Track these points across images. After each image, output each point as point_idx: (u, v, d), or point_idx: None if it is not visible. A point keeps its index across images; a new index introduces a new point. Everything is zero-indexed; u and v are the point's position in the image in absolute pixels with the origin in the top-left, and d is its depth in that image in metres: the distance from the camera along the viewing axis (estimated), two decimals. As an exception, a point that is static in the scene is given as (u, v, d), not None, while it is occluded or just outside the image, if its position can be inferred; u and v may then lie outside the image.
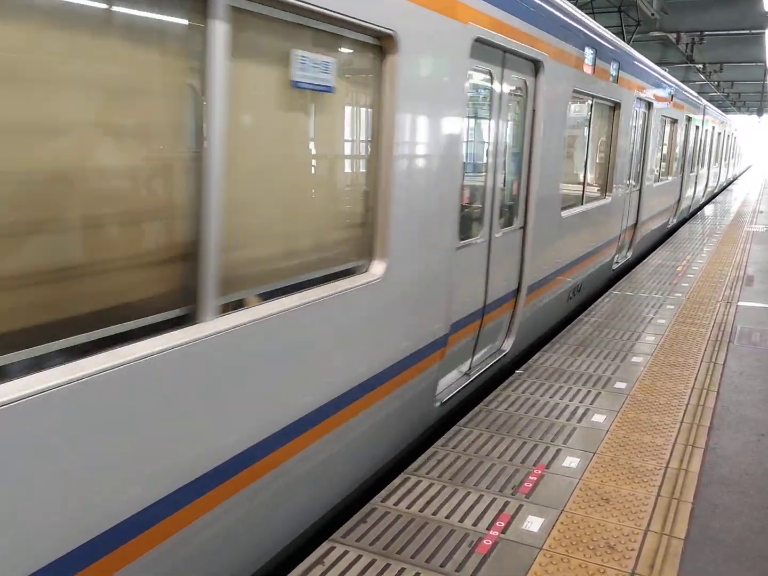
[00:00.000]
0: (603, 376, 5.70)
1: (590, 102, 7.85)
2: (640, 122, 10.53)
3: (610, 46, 8.02)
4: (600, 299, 8.51)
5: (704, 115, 18.29)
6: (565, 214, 7.01)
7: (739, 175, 45.24)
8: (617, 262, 10.28)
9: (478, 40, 4.50)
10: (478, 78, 5.08)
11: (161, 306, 2.50)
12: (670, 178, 14.32)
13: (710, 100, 26.67)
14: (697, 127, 17.61)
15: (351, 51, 3.51)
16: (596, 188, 8.77)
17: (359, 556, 3.18)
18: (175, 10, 2.42)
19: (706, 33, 18.23)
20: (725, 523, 3.58)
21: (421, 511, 3.60)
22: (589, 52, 7.04)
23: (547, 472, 4.04)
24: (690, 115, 15.68)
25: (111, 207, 2.37)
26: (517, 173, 5.82)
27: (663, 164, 13.50)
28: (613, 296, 8.67)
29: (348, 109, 3.69)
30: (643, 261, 11.32)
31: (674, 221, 16.00)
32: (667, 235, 14.96)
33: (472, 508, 3.64)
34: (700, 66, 23.04)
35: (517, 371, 5.79)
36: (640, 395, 5.29)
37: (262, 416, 2.92)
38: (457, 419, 4.85)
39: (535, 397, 5.22)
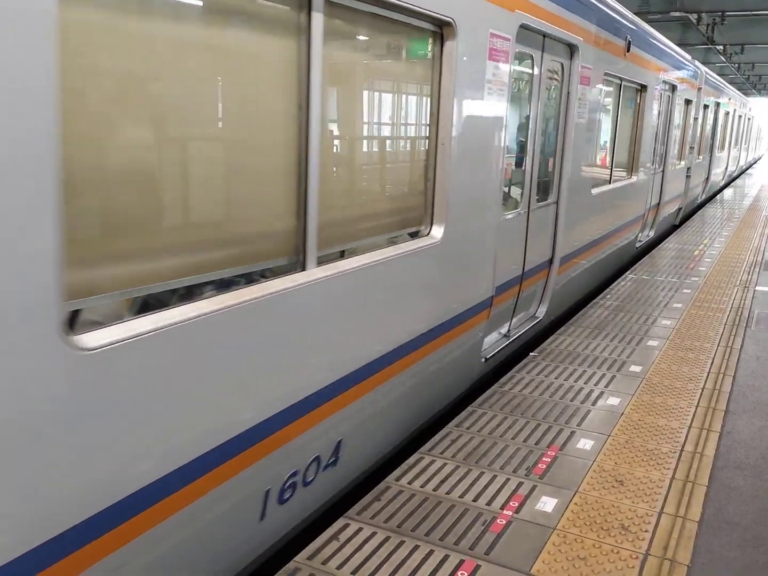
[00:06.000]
0: (618, 360, 5.67)
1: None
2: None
3: None
4: (616, 283, 8.46)
5: (728, 99, 18.39)
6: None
7: (758, 159, 44.66)
8: (640, 241, 10.63)
9: None
10: None
11: None
12: (701, 157, 15.22)
13: (730, 83, 26.25)
14: (726, 112, 17.89)
15: None
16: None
17: (373, 533, 3.21)
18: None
19: (728, 13, 17.90)
20: (740, 506, 3.57)
21: (435, 490, 3.61)
22: None
23: (561, 453, 4.05)
24: (717, 100, 15.91)
25: None
26: None
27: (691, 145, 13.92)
28: (629, 280, 8.61)
29: None
30: (659, 245, 11.23)
31: (703, 196, 17.40)
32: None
33: (486, 488, 3.65)
34: (721, 47, 22.63)
35: (531, 354, 5.78)
36: (655, 379, 5.27)
37: None
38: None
39: (549, 379, 5.21)
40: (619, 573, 2.99)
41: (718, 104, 17.18)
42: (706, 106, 14.75)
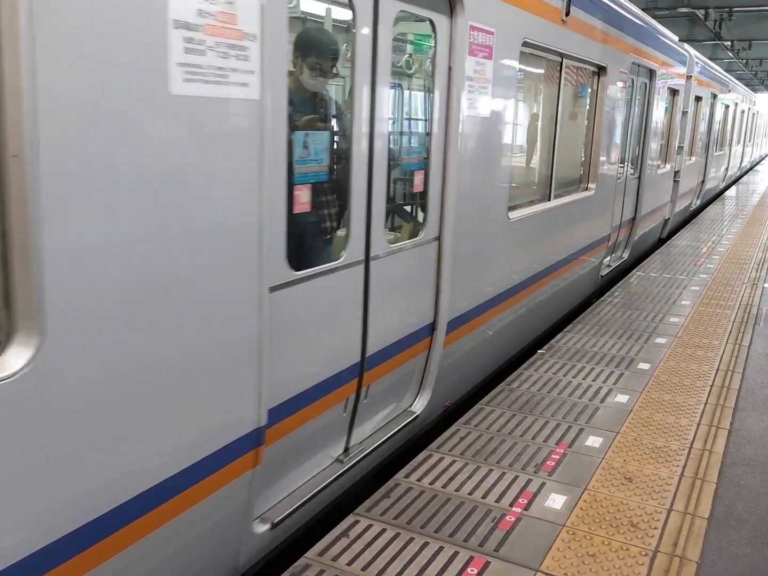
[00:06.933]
0: (626, 357, 5.67)
1: None
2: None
3: None
4: (623, 280, 8.44)
5: (727, 90, 17.78)
6: None
7: (765, 157, 44.30)
8: (609, 266, 8.55)
9: None
10: None
11: None
12: (693, 158, 13.68)
13: (738, 79, 26.12)
14: (725, 106, 17.21)
15: None
16: None
17: (383, 530, 3.22)
18: None
19: (735, 9, 17.83)
20: (749, 503, 3.57)
21: (444, 487, 3.62)
22: None
23: (569, 451, 4.05)
24: (713, 91, 15.02)
25: None
26: None
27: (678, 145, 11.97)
28: (636, 277, 8.59)
29: None
30: (668, 242, 11.19)
31: (697, 202, 15.89)
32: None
33: (494, 484, 3.65)
34: (728, 43, 22.53)
35: (539, 351, 5.77)
36: (663, 376, 5.26)
37: None
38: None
39: (557, 377, 5.21)
40: (629, 570, 3.00)
41: (714, 96, 15.08)
42: (699, 98, 12.89)
